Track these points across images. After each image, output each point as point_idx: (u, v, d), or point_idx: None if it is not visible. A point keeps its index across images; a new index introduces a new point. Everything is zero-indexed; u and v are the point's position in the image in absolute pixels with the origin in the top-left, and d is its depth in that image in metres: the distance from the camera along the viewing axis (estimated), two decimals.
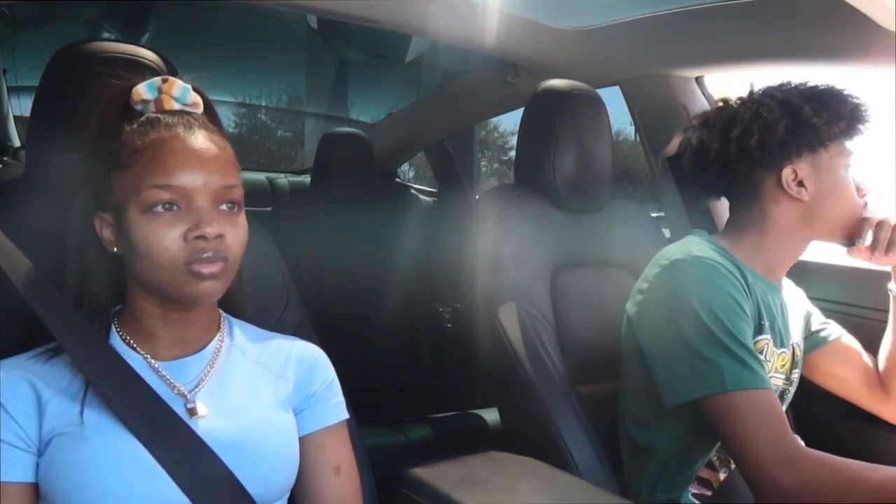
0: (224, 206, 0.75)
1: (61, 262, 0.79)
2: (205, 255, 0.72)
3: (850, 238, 1.11)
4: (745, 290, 1.05)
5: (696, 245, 1.09)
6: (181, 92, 0.79)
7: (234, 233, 0.75)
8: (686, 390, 1.01)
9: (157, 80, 0.78)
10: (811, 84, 1.11)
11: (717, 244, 1.11)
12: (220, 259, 0.73)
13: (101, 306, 0.78)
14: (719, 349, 0.98)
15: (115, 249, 0.77)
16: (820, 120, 1.06)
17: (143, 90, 0.77)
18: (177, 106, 0.79)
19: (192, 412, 0.76)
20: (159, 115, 0.77)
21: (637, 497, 1.13)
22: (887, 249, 1.09)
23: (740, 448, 0.97)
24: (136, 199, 0.72)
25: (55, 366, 0.75)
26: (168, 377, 0.78)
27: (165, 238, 0.72)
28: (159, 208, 0.72)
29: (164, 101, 0.78)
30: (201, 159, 0.75)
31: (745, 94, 1.15)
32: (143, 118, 0.77)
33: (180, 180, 0.73)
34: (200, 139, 0.76)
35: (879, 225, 1.09)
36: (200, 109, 0.81)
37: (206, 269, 0.72)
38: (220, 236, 0.73)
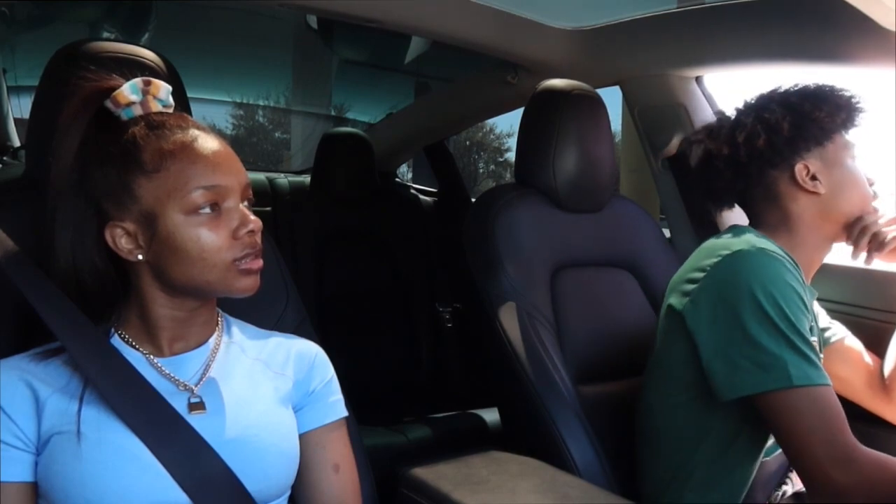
0: (245, 203, 0.79)
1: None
2: (251, 251, 0.76)
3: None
4: (803, 286, 1.04)
5: (755, 237, 1.07)
6: (165, 94, 0.80)
7: (259, 223, 0.79)
8: (747, 384, 0.98)
9: (137, 81, 0.77)
10: (802, 84, 1.13)
11: (772, 241, 1.09)
12: (260, 252, 0.78)
13: (104, 311, 0.78)
14: (784, 343, 0.96)
15: (140, 257, 0.76)
16: (822, 113, 1.08)
17: (128, 93, 0.77)
18: (159, 107, 0.79)
19: (196, 406, 0.76)
20: (164, 118, 0.77)
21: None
22: (869, 255, 1.10)
23: (796, 444, 0.95)
24: (179, 202, 0.74)
25: (52, 365, 0.75)
26: (170, 373, 0.78)
27: (218, 238, 0.75)
28: (206, 209, 0.74)
29: (149, 103, 0.78)
30: (230, 159, 0.78)
31: (741, 104, 1.16)
32: (144, 120, 0.77)
33: (221, 180, 0.75)
34: (215, 138, 0.78)
35: (862, 231, 1.11)
36: (172, 109, 0.81)
37: (255, 266, 0.77)
38: (261, 228, 0.78)
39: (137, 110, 0.78)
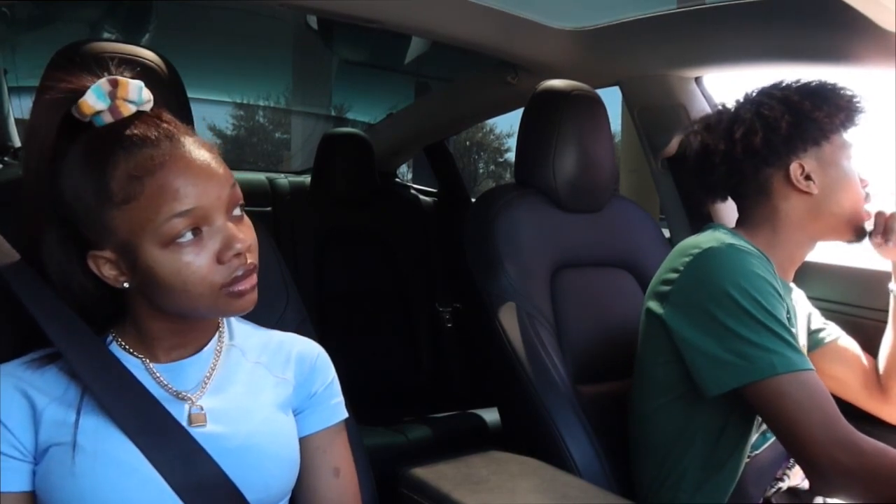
0: (236, 211, 0.73)
1: None
2: (241, 273, 0.70)
3: (857, 229, 1.12)
4: (775, 277, 1.05)
5: (724, 234, 1.08)
6: (137, 93, 0.71)
7: (250, 235, 0.73)
8: (733, 377, 0.98)
9: (103, 84, 0.69)
10: (804, 81, 1.13)
11: (742, 236, 1.11)
12: (252, 270, 0.72)
13: (97, 321, 0.76)
14: (763, 332, 0.97)
15: (126, 285, 0.72)
16: (821, 113, 1.08)
17: (92, 101, 0.69)
18: (132, 109, 0.71)
19: (196, 417, 0.75)
20: (132, 130, 0.69)
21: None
22: (886, 237, 1.10)
23: (794, 431, 0.95)
24: (154, 234, 0.67)
25: (48, 373, 0.74)
26: (166, 381, 0.77)
27: (201, 267, 0.69)
28: (188, 235, 0.68)
29: (119, 107, 0.70)
30: (207, 171, 0.70)
31: (741, 96, 1.16)
32: (112, 134, 0.69)
33: (198, 202, 0.68)
34: (190, 146, 0.70)
35: (893, 216, 1.10)
36: (151, 104, 0.73)
37: (247, 285, 0.71)
38: (249, 245, 0.72)
39: (108, 117, 0.70)
